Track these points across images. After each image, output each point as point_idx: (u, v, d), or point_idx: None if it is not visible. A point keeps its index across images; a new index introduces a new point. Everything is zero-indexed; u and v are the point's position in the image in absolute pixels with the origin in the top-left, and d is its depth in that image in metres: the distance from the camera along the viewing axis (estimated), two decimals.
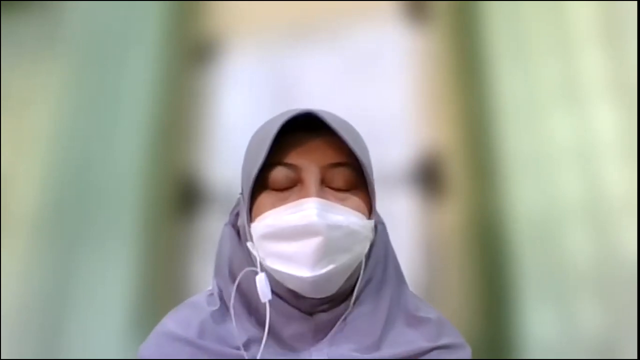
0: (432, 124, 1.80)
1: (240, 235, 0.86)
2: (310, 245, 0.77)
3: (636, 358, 1.51)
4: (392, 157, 1.73)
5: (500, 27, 1.83)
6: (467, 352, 0.87)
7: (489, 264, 1.67)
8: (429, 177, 1.74)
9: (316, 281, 0.78)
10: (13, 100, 1.99)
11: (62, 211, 1.88)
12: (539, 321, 1.60)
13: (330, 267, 0.78)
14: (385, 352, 0.81)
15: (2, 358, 1.73)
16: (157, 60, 1.99)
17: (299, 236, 0.78)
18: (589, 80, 1.74)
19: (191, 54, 1.99)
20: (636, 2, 1.73)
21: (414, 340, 0.83)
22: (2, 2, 2.04)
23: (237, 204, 0.88)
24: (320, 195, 0.80)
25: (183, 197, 1.86)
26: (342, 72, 1.84)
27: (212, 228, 1.78)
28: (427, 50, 1.86)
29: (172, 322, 0.86)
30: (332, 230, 0.78)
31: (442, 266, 1.68)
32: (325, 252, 0.77)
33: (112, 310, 1.76)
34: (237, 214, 0.88)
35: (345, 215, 0.80)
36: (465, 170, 1.75)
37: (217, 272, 0.88)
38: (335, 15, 1.90)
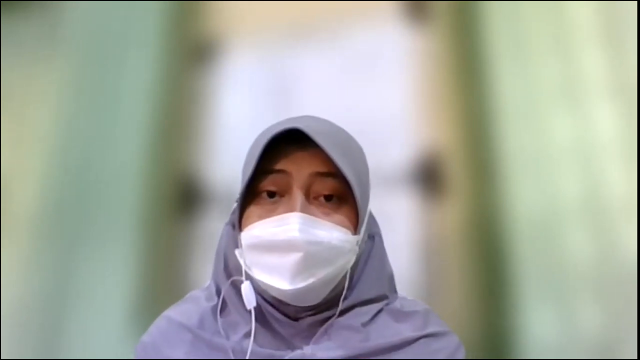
0: (432, 124, 1.80)
1: None
2: (289, 260, 0.80)
3: (636, 358, 1.51)
4: (392, 157, 1.73)
5: (500, 27, 1.83)
6: (454, 339, 0.88)
7: (488, 263, 1.67)
8: (429, 177, 1.74)
9: (296, 294, 0.80)
10: (13, 100, 1.99)
11: (62, 211, 1.88)
12: (539, 321, 1.60)
13: (310, 280, 0.80)
14: (375, 341, 0.84)
15: (2, 358, 1.73)
16: (157, 60, 1.99)
17: (280, 250, 0.80)
18: (589, 80, 1.74)
19: (191, 54, 1.99)
20: (636, 2, 1.73)
21: (401, 331, 0.86)
22: (2, 2, 2.04)
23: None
24: (305, 209, 0.81)
25: (183, 197, 1.86)
26: (342, 72, 1.84)
27: (212, 228, 1.78)
28: (427, 50, 1.86)
29: (174, 312, 0.89)
30: (312, 246, 0.80)
31: (441, 266, 1.68)
32: (304, 267, 0.80)
33: (112, 310, 1.76)
34: None
35: (328, 231, 0.81)
36: (465, 170, 1.75)
37: (215, 270, 0.90)
38: (335, 15, 1.90)
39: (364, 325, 0.85)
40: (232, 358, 0.82)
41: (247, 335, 0.83)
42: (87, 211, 1.87)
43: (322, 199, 0.83)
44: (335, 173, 0.83)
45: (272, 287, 0.81)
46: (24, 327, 1.80)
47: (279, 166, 0.83)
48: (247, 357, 0.82)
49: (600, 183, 1.66)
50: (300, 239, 0.79)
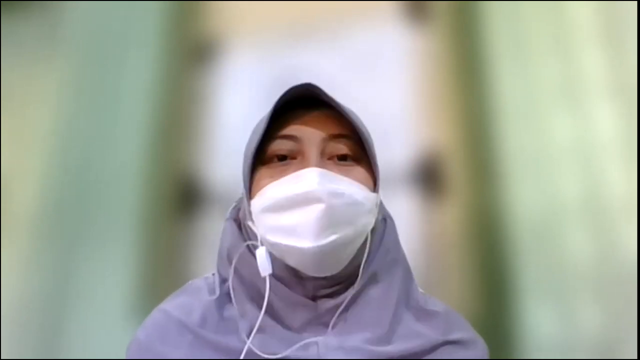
0: (432, 124, 1.79)
1: (241, 228, 0.84)
2: (311, 213, 0.74)
3: (636, 358, 1.51)
4: (392, 157, 1.73)
5: (500, 27, 1.83)
6: (480, 347, 0.86)
7: (488, 263, 1.67)
8: (429, 177, 1.74)
9: (318, 253, 0.75)
10: (13, 100, 1.99)
11: (62, 211, 1.88)
12: (539, 321, 1.60)
13: (333, 237, 0.75)
14: (397, 346, 0.79)
15: (2, 358, 1.73)
16: (157, 61, 1.99)
17: (299, 205, 0.75)
18: (589, 80, 1.74)
19: (191, 54, 1.99)
20: (636, 2, 1.73)
21: (425, 334, 0.81)
22: (2, 2, 2.04)
23: (240, 200, 0.86)
24: (321, 165, 0.78)
25: (183, 197, 1.86)
26: (342, 72, 1.84)
27: (212, 228, 1.78)
28: (427, 50, 1.86)
29: (172, 305, 0.83)
30: (333, 197, 0.75)
31: (442, 266, 1.68)
32: (328, 221, 0.74)
33: (112, 310, 1.76)
34: (239, 209, 0.86)
35: (347, 185, 0.77)
36: (465, 170, 1.75)
37: (219, 264, 0.85)
38: (335, 15, 1.90)
39: (385, 323, 0.80)
40: (239, 359, 0.76)
41: (252, 330, 0.77)
42: (87, 211, 1.87)
43: (336, 159, 0.80)
44: (347, 135, 0.80)
45: (292, 248, 0.75)
46: (24, 327, 1.80)
47: (289, 132, 0.80)
48: (248, 341, 0.76)
49: (600, 183, 1.66)
50: (321, 190, 0.74)
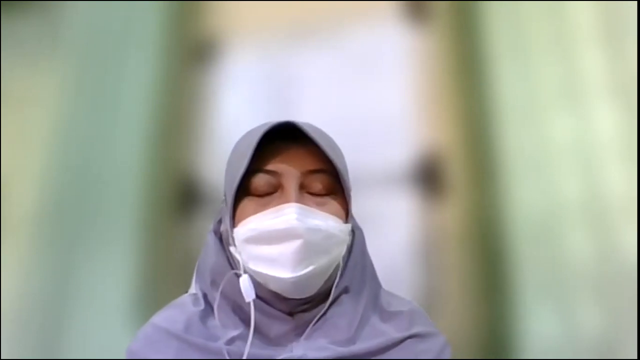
0: (432, 124, 1.80)
1: (222, 241, 0.90)
2: (290, 247, 0.81)
3: (636, 358, 1.51)
4: (392, 157, 1.73)
5: (500, 27, 1.83)
6: (440, 340, 0.89)
7: (488, 263, 1.67)
8: (429, 177, 1.74)
9: (297, 282, 0.82)
10: (13, 100, 1.99)
11: (62, 211, 1.88)
12: (539, 321, 1.60)
13: (310, 268, 0.82)
14: (361, 344, 0.85)
15: (2, 358, 1.73)
16: (157, 60, 1.99)
17: (280, 239, 0.82)
18: (589, 80, 1.74)
19: (191, 54, 1.99)
20: (636, 2, 1.73)
21: (388, 332, 0.87)
22: (2, 2, 2.04)
23: (221, 211, 0.92)
24: (299, 200, 0.84)
25: (183, 197, 1.86)
26: (342, 72, 1.84)
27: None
28: (427, 50, 1.86)
29: (159, 318, 0.89)
30: (311, 233, 0.82)
31: (441, 266, 1.68)
32: (305, 255, 0.81)
33: (112, 310, 1.76)
34: (219, 221, 0.92)
35: (323, 220, 0.84)
36: (465, 170, 1.75)
37: (200, 277, 0.92)
38: (335, 15, 1.90)
39: (352, 329, 0.85)
40: (226, 359, 0.82)
41: (236, 338, 0.84)
42: (87, 211, 1.87)
43: (313, 190, 0.86)
44: (324, 169, 0.86)
45: (273, 277, 0.82)
46: (24, 327, 1.80)
47: (270, 166, 0.85)
48: (245, 355, 0.82)
49: (600, 183, 1.66)
50: (300, 227, 0.81)
